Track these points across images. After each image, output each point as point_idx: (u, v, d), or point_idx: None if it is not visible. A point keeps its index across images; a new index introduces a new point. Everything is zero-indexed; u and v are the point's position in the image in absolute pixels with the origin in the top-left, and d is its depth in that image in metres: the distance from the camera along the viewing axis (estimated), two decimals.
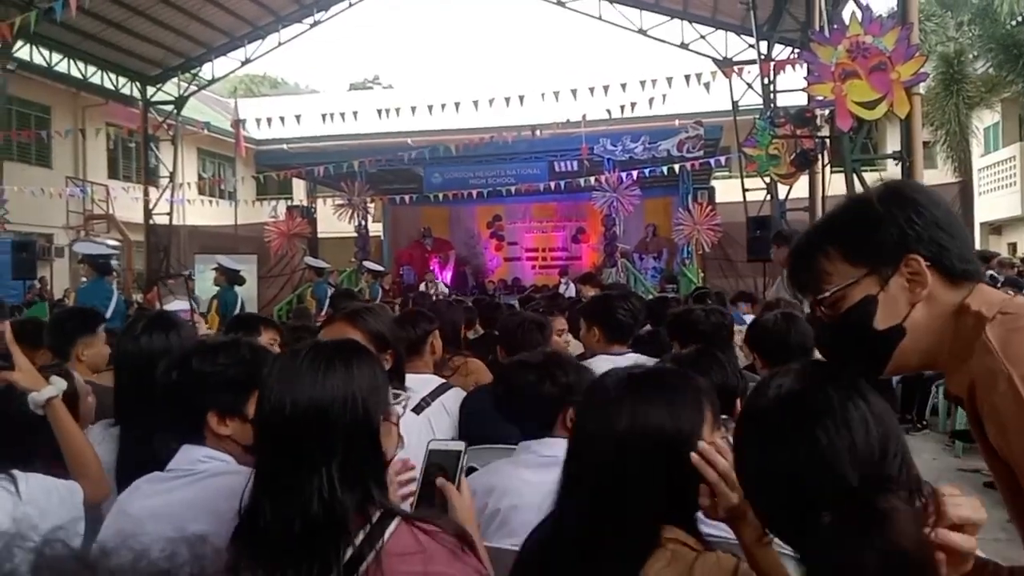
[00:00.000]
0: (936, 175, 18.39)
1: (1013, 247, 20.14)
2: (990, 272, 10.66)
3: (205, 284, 14.01)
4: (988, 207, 20.65)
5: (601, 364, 3.38)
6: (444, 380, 2.98)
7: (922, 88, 10.94)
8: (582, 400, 1.51)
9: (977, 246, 18.25)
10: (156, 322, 2.30)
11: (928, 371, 7.82)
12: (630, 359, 3.44)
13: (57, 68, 17.79)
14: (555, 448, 2.12)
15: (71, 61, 17.88)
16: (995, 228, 21.52)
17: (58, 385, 2.03)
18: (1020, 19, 16.79)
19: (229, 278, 9.52)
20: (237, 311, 8.72)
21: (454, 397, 2.89)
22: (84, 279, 8.22)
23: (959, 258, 1.24)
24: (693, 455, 1.36)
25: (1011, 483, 1.20)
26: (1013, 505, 1.28)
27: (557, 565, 1.39)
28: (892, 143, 15.63)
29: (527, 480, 2.00)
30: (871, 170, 11.11)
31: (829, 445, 1.07)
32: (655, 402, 1.38)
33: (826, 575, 0.98)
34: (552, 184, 15.61)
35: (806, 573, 1.06)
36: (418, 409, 2.68)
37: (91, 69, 18.26)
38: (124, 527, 1.66)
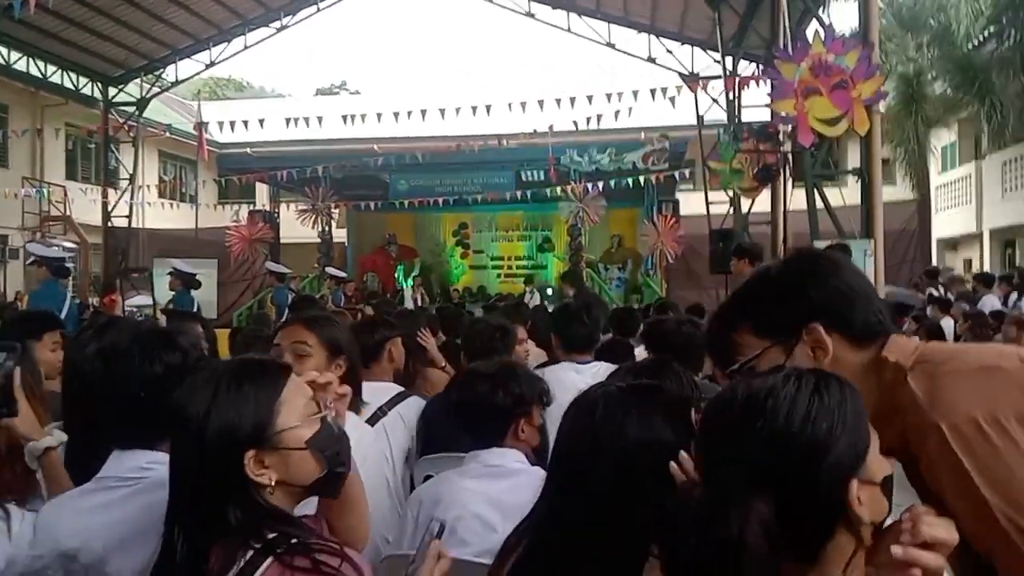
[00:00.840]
0: (895, 192, 18.74)
1: (968, 263, 20.58)
2: (930, 290, 10.88)
3: (161, 288, 13.80)
4: (945, 224, 21.10)
5: (564, 372, 3.42)
6: (401, 389, 2.94)
7: (882, 107, 11.14)
8: (574, 414, 1.47)
9: (934, 262, 18.66)
10: (105, 329, 2.20)
11: None
12: (594, 368, 3.48)
13: (15, 66, 17.41)
14: (503, 458, 2.12)
15: (30, 59, 17.52)
16: (951, 244, 21.98)
17: (57, 437, 1.95)
18: (976, 43, 17.22)
19: (185, 282, 9.40)
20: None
21: (411, 406, 2.85)
22: (39, 281, 8.04)
23: (862, 321, 1.30)
24: (672, 464, 1.35)
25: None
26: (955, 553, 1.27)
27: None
28: (852, 160, 15.91)
29: (471, 489, 1.99)
30: (832, 185, 11.26)
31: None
32: (658, 414, 1.40)
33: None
34: (519, 193, 15.63)
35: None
36: (373, 420, 2.63)
37: (51, 68, 17.90)
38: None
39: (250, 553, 1.25)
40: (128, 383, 1.59)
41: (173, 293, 9.47)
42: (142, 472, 1.58)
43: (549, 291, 16.53)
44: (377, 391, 2.71)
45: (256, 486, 1.30)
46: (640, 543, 1.33)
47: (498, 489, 1.91)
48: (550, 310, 6.00)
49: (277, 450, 1.32)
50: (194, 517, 1.29)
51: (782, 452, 1.02)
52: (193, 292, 9.44)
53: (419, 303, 15.31)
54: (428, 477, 2.46)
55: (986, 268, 17.76)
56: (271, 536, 1.27)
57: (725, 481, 1.03)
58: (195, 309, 8.94)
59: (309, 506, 1.49)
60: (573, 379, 3.21)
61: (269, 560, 1.24)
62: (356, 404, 2.24)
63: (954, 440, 1.13)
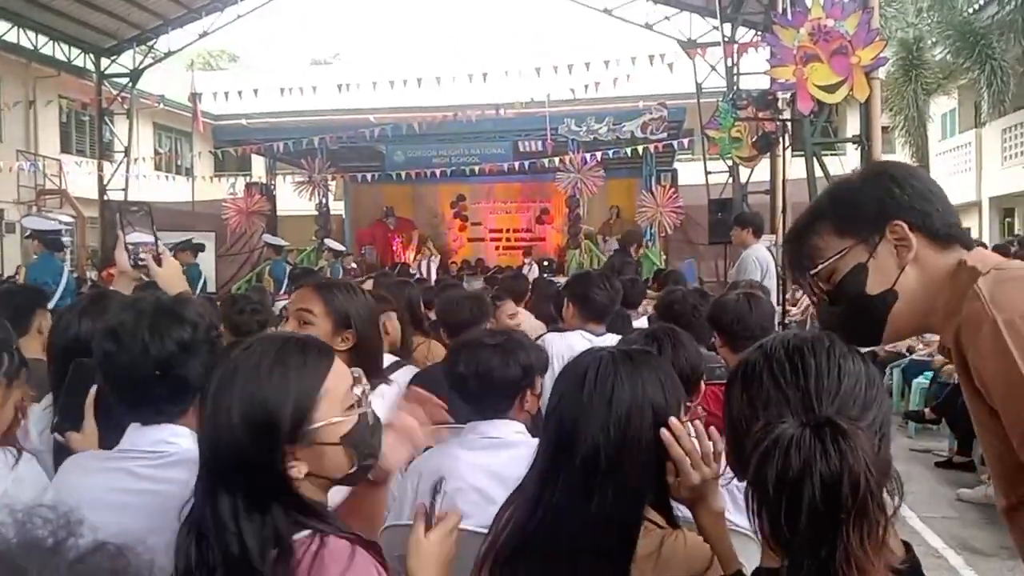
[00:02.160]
0: (894, 160, 18.66)
1: (968, 231, 20.57)
2: None
3: None
4: (944, 192, 21.07)
5: (578, 340, 3.37)
6: (397, 359, 2.93)
7: (882, 73, 11.05)
8: (566, 380, 1.47)
9: None
10: (89, 308, 2.16)
11: (887, 352, 7.90)
12: (607, 340, 3.42)
13: (6, 38, 17.21)
14: (501, 429, 2.10)
15: (21, 30, 17.31)
16: None
17: None
18: (977, 7, 17.04)
19: (193, 252, 9.42)
20: (199, 288, 8.60)
21: (407, 375, 2.85)
22: (35, 255, 8.00)
23: (943, 222, 1.33)
24: (663, 431, 1.38)
25: (992, 426, 1.25)
26: (989, 447, 1.32)
27: (546, 547, 1.37)
28: (852, 127, 15.82)
29: (468, 462, 1.98)
30: (831, 154, 11.21)
31: (818, 378, 1.07)
32: (650, 379, 1.41)
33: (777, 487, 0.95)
34: (516, 164, 15.54)
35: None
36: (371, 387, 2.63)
37: (42, 39, 17.70)
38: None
39: (280, 521, 1.24)
40: (142, 362, 1.56)
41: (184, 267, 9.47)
42: (166, 446, 1.57)
43: (547, 263, 16.51)
44: None
45: (287, 477, 1.27)
46: (633, 508, 1.33)
47: (498, 461, 1.89)
48: (558, 281, 5.97)
49: (311, 445, 1.28)
50: (228, 503, 1.25)
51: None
52: (199, 263, 9.44)
53: (424, 274, 15.28)
54: (426, 448, 2.44)
55: (985, 237, 17.73)
56: (305, 526, 1.25)
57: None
58: (201, 281, 8.93)
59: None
60: (586, 348, 3.17)
61: (308, 546, 1.22)
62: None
63: (1008, 332, 1.17)
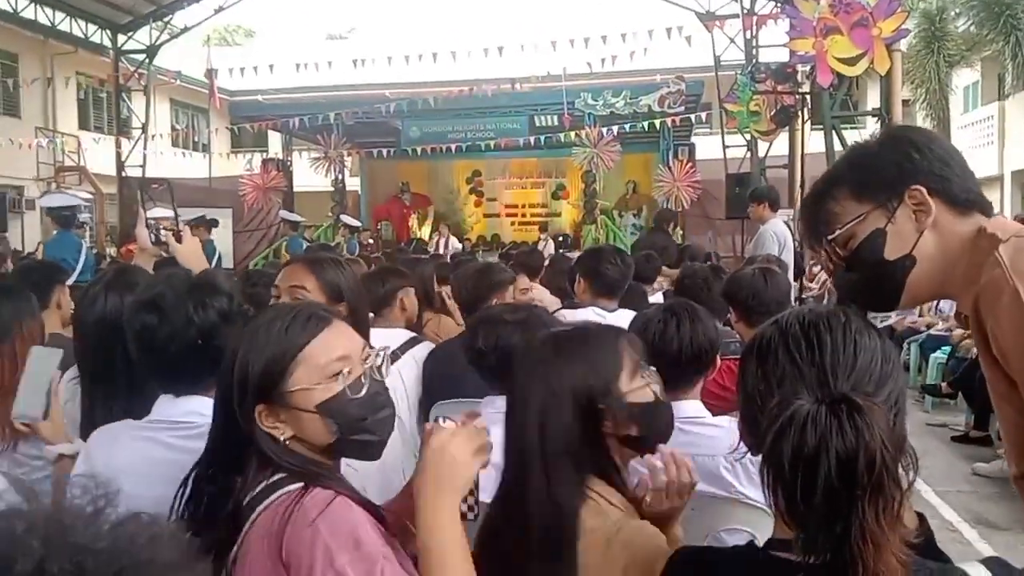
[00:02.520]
0: (914, 125, 18.42)
1: (990, 205, 20.31)
2: None
3: None
4: (964, 158, 20.80)
5: (589, 316, 3.37)
6: (414, 335, 2.95)
7: (903, 45, 10.87)
8: (519, 358, 1.51)
9: None
10: (115, 282, 2.17)
11: (905, 326, 7.84)
12: (618, 315, 3.42)
13: (23, 14, 17.25)
14: None
15: (38, 7, 17.33)
16: None
17: (75, 447, 1.96)
18: None
19: (207, 228, 9.43)
20: (214, 263, 8.64)
21: (424, 351, 2.87)
22: (54, 232, 8.06)
23: (962, 188, 1.31)
24: (649, 458, 1.41)
25: (1009, 396, 1.25)
26: (1006, 417, 1.32)
27: (505, 521, 1.40)
28: (872, 100, 15.61)
29: None
30: (851, 128, 11.08)
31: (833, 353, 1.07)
32: (573, 361, 1.41)
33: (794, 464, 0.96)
34: (532, 139, 15.46)
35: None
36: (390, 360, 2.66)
37: (59, 16, 17.72)
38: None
39: (275, 477, 1.30)
40: (185, 332, 1.62)
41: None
42: (197, 417, 1.61)
43: (562, 238, 16.47)
44: (389, 336, 2.72)
45: (272, 438, 1.31)
46: (568, 492, 1.35)
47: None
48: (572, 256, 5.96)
49: (287, 408, 1.31)
50: (220, 455, 1.34)
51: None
52: (213, 239, 9.46)
53: (446, 244, 15.30)
54: None
55: (1006, 211, 17.51)
56: (292, 468, 1.31)
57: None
58: (216, 256, 8.97)
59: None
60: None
61: (294, 495, 1.26)
62: None
63: None
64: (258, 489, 1.29)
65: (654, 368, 1.52)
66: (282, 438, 1.32)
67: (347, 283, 2.24)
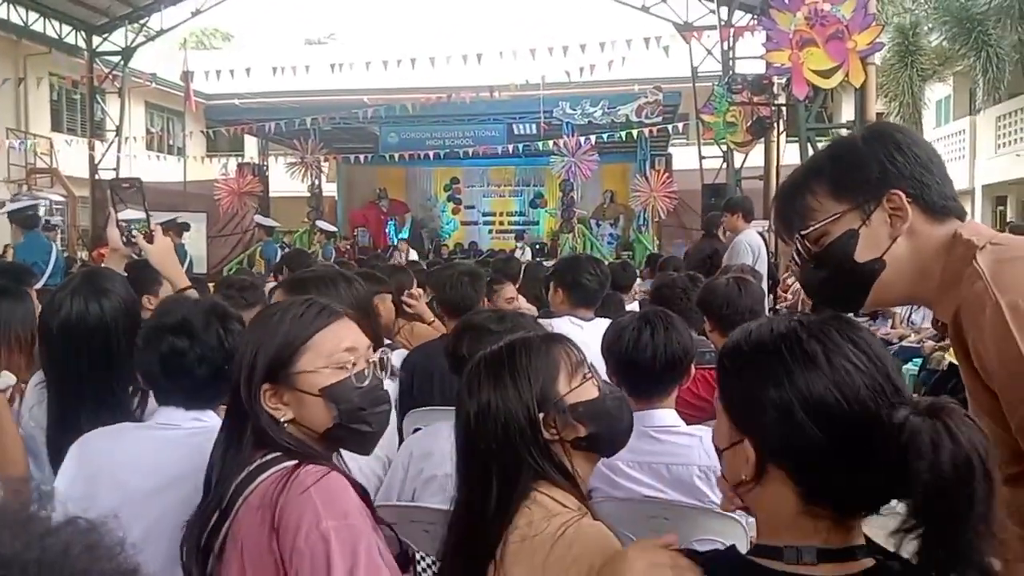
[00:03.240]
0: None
1: (965, 213, 20.62)
2: None
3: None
4: (943, 162, 21.11)
5: (566, 326, 3.37)
6: (389, 342, 2.93)
7: (877, 59, 11.01)
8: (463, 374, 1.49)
9: None
10: (81, 288, 2.11)
11: (878, 337, 7.98)
12: (596, 324, 3.40)
13: None
14: None
15: (11, 6, 17.10)
16: None
17: (6, 380, 2.00)
18: None
19: (177, 232, 9.32)
20: (185, 267, 8.53)
21: (398, 358, 2.85)
22: (22, 237, 7.90)
23: (940, 194, 1.30)
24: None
25: (991, 409, 1.23)
26: (986, 428, 1.30)
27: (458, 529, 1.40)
28: (847, 113, 15.80)
29: None
30: (826, 140, 11.18)
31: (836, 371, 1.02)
32: (502, 378, 1.39)
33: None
34: (510, 147, 15.49)
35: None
36: None
37: (33, 16, 17.50)
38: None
39: (269, 456, 1.36)
40: (216, 356, 1.68)
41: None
42: (203, 423, 1.70)
43: (539, 247, 16.49)
44: None
45: (272, 419, 1.38)
46: (503, 502, 1.33)
47: None
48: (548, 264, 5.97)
49: (292, 390, 1.38)
50: (228, 432, 1.42)
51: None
52: (184, 243, 9.35)
53: (405, 259, 15.23)
54: (417, 430, 2.45)
55: None
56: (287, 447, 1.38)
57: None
58: (187, 260, 8.85)
59: None
60: (576, 334, 3.17)
61: (291, 470, 1.32)
62: None
63: (1011, 315, 1.15)
64: (253, 466, 1.35)
65: (593, 364, 1.50)
66: (282, 419, 1.39)
67: (369, 309, 2.32)
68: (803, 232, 1.32)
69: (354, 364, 1.41)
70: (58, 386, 1.99)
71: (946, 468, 0.90)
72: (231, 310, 1.81)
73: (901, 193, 1.27)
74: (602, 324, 3.29)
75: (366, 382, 1.41)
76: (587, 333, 3.12)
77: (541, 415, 1.36)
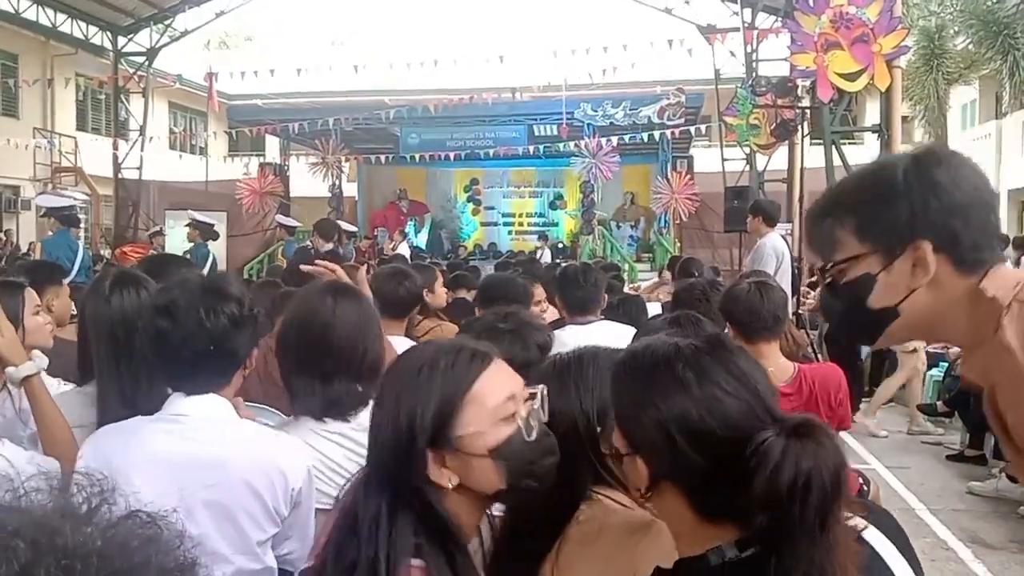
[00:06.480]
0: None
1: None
2: None
3: (175, 240, 13.79)
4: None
5: (567, 334, 3.38)
6: (413, 343, 2.94)
7: (903, 62, 10.91)
8: None
9: None
10: (122, 280, 2.16)
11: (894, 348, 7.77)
12: (599, 327, 3.45)
13: (25, 15, 17.25)
14: None
15: (40, 8, 17.34)
16: None
17: (38, 363, 2.00)
18: None
19: (203, 234, 9.37)
20: (207, 269, 8.58)
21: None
22: (51, 232, 8.03)
23: (972, 246, 1.20)
24: None
25: None
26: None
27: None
28: (872, 116, 15.63)
29: None
30: (850, 143, 11.10)
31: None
32: (565, 387, 1.44)
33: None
34: (531, 148, 15.47)
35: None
36: None
37: (60, 17, 17.74)
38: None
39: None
40: (197, 337, 1.68)
41: (191, 244, 9.45)
42: (211, 412, 1.71)
43: (560, 247, 16.46)
44: (398, 344, 2.71)
45: (435, 486, 1.21)
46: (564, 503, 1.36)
47: None
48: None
49: (457, 453, 1.21)
50: (372, 504, 1.21)
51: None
52: (210, 244, 9.43)
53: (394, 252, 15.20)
54: None
55: (1003, 229, 17.55)
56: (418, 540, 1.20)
57: None
58: (211, 261, 8.91)
59: None
60: (581, 337, 3.19)
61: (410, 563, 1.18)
62: None
63: None
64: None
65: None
66: (449, 485, 1.22)
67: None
68: (821, 267, 1.30)
69: (516, 414, 1.24)
70: (106, 378, 2.00)
71: (781, 486, 0.95)
72: (233, 291, 1.75)
73: (928, 245, 1.19)
74: (605, 325, 3.57)
75: (534, 433, 1.24)
76: (587, 333, 3.29)
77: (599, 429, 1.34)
